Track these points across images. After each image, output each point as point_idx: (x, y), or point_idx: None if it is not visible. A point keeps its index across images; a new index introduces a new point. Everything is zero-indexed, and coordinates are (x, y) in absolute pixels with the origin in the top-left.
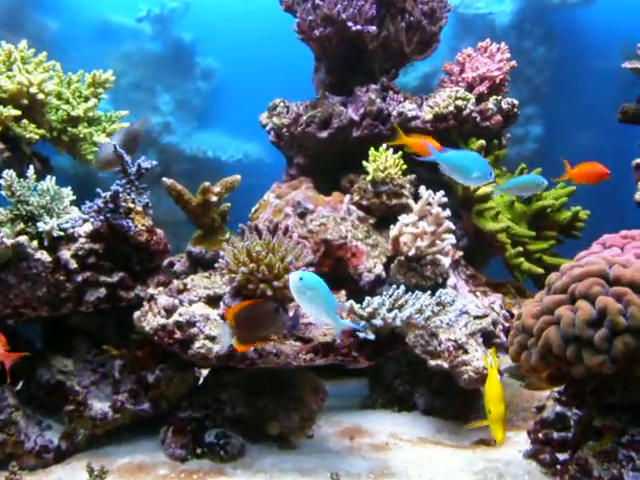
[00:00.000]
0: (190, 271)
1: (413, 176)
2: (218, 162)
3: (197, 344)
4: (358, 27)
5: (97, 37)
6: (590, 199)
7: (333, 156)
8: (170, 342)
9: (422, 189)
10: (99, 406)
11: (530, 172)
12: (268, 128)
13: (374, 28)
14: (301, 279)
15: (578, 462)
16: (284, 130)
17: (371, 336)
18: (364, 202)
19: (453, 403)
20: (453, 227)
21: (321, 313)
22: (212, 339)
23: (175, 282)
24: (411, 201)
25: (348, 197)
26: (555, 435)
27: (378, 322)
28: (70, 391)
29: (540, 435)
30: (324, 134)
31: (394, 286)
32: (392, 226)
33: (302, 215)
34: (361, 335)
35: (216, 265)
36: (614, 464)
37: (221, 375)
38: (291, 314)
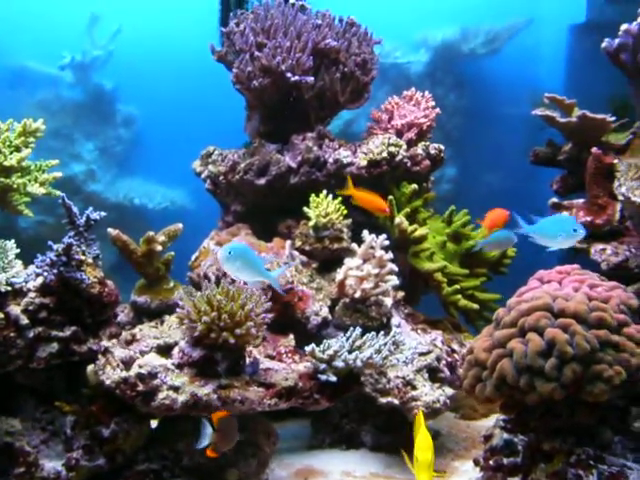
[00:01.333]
0: (135, 321)
1: (349, 220)
2: (144, 210)
3: (161, 395)
4: (296, 78)
5: (12, 84)
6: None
7: (270, 203)
8: (133, 395)
9: (365, 233)
10: (51, 465)
11: (444, 211)
12: (204, 176)
13: (312, 79)
14: (230, 252)
15: None
16: (221, 178)
17: (333, 378)
18: (307, 247)
19: (399, 439)
20: (396, 269)
21: (254, 275)
22: (176, 389)
23: (124, 333)
24: (354, 245)
25: (289, 242)
26: (505, 461)
27: (340, 364)
28: (20, 452)
29: (491, 462)
30: (262, 181)
31: (351, 328)
32: (339, 270)
33: None
34: (322, 377)
35: (175, 315)
36: None
37: (175, 425)
38: (250, 360)
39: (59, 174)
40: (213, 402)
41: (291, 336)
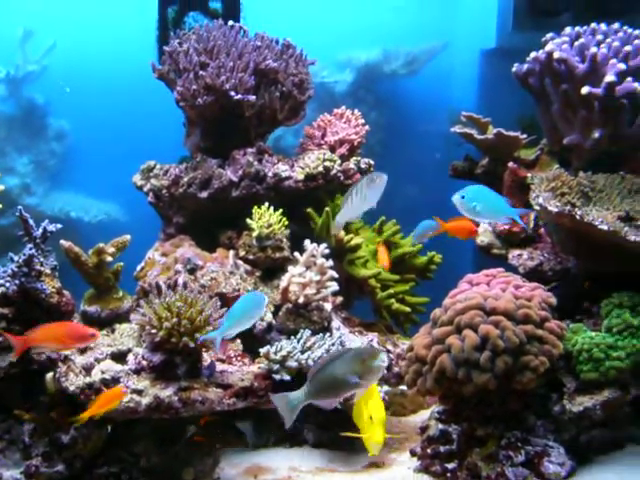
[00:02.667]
0: None
1: (288, 231)
2: (80, 223)
3: (125, 398)
4: (239, 96)
5: None
6: (435, 245)
7: (212, 215)
8: None
9: (307, 242)
10: (9, 474)
11: (370, 222)
12: (146, 189)
13: (254, 97)
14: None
15: (468, 467)
16: (164, 191)
17: (287, 377)
18: (250, 256)
19: (339, 435)
20: (336, 275)
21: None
22: (139, 392)
23: None
24: (296, 253)
25: (233, 252)
26: (442, 449)
27: (292, 364)
28: None
29: (428, 451)
30: (204, 194)
31: (301, 330)
32: (283, 277)
33: (192, 271)
34: (277, 377)
35: (134, 322)
36: (497, 464)
37: (131, 428)
38: (207, 363)
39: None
40: (174, 404)
41: (238, 340)
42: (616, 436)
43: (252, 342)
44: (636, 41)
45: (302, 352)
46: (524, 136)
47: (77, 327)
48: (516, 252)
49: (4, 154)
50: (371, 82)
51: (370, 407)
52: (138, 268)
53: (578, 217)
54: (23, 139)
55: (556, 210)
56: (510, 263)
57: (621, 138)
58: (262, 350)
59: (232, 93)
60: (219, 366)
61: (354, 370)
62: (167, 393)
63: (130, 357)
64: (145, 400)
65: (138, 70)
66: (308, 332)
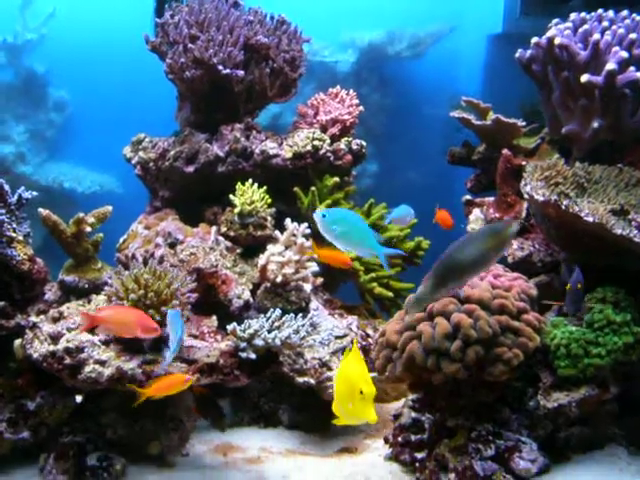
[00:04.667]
0: (63, 300)
1: (273, 209)
2: (74, 194)
3: (87, 368)
4: (227, 71)
5: None
6: (424, 231)
7: (198, 190)
8: (60, 368)
9: (288, 221)
10: None
11: (364, 204)
12: (134, 162)
13: (242, 72)
14: (324, 216)
15: (436, 458)
16: (151, 164)
17: (252, 355)
18: (231, 233)
19: (314, 418)
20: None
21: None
22: (102, 363)
23: (51, 310)
24: (277, 232)
25: (215, 228)
26: (413, 438)
27: (259, 342)
28: None
29: (399, 439)
30: (190, 169)
31: (272, 309)
32: (261, 255)
33: (172, 245)
34: (243, 355)
35: (103, 293)
36: (465, 456)
37: (100, 400)
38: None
39: None
40: (137, 376)
41: (214, 317)
42: (596, 435)
43: (229, 320)
44: None
45: (269, 331)
46: (523, 124)
47: (146, 318)
48: None
49: (2, 122)
50: (374, 63)
51: (358, 379)
52: (121, 240)
53: (564, 207)
54: (21, 108)
55: (542, 199)
56: None
57: (622, 129)
58: (229, 327)
59: (220, 67)
60: (189, 341)
61: (490, 246)
62: (130, 365)
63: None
64: (108, 371)
65: (139, 41)
66: (278, 311)
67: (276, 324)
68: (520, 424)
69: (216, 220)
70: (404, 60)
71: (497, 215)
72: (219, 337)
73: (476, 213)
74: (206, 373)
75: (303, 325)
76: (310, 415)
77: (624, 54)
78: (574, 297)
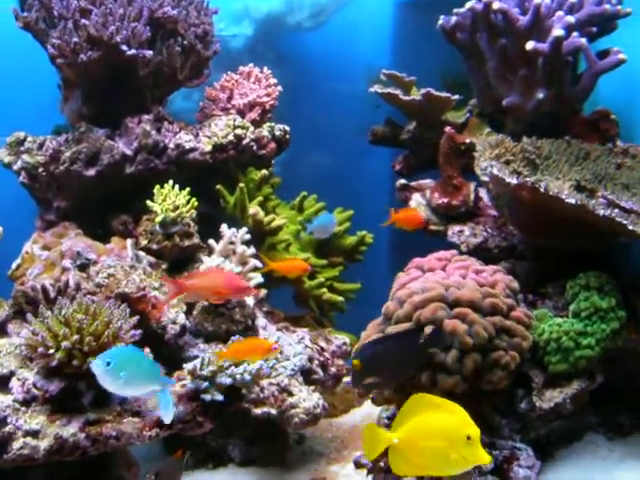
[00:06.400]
0: None
1: (194, 212)
2: None
3: (16, 444)
4: (133, 51)
5: None
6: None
7: (101, 197)
8: None
9: (224, 227)
10: None
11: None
12: (17, 167)
13: (150, 52)
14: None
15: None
16: (40, 169)
17: (219, 397)
18: (154, 246)
19: (270, 450)
20: (260, 264)
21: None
22: (34, 434)
23: None
24: (212, 241)
25: (130, 242)
26: None
27: (226, 380)
28: None
29: (381, 464)
30: (92, 172)
31: (233, 337)
32: (200, 269)
33: (84, 267)
34: (206, 397)
35: (21, 341)
36: (465, 475)
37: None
38: None
39: None
40: (81, 442)
41: (147, 350)
42: (575, 426)
43: (166, 351)
44: None
45: (236, 364)
46: (455, 97)
47: (235, 277)
48: (456, 228)
49: None
50: (270, 37)
51: (458, 425)
52: (13, 266)
53: (542, 190)
54: None
55: (515, 182)
56: (450, 240)
57: (565, 99)
58: (187, 367)
59: (124, 47)
60: None
61: None
62: (71, 430)
63: (15, 384)
64: (44, 443)
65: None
66: (240, 338)
67: None
68: (511, 429)
69: (128, 231)
70: (306, 31)
71: (445, 200)
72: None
73: (417, 198)
74: (165, 426)
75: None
76: (266, 447)
77: (571, 19)
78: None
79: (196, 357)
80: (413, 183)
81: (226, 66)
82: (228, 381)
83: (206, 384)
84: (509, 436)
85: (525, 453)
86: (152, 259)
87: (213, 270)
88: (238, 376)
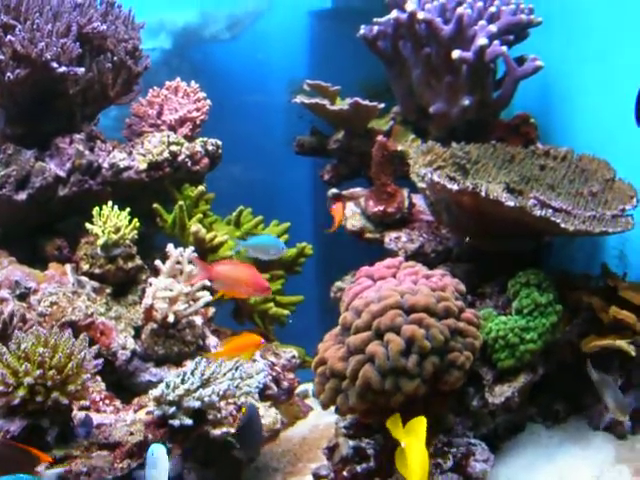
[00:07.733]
0: None
1: (135, 234)
2: None
3: None
4: (64, 69)
5: None
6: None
7: (33, 221)
8: None
9: (170, 247)
10: None
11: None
12: None
13: (82, 70)
14: None
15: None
16: None
17: (188, 421)
18: (97, 270)
19: (225, 470)
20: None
21: None
22: None
23: None
24: (158, 262)
25: (70, 266)
26: (359, 468)
27: (194, 403)
28: None
29: (345, 473)
30: (22, 196)
31: (197, 359)
32: (147, 292)
33: (23, 297)
34: (175, 423)
35: None
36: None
37: None
38: (81, 419)
39: None
40: None
41: (98, 379)
42: (517, 419)
43: (116, 379)
44: (497, 1)
45: (203, 386)
46: (381, 105)
47: (259, 276)
48: (393, 234)
49: None
50: (185, 49)
51: None
52: None
53: (483, 194)
54: None
55: (457, 188)
56: (387, 247)
57: (488, 105)
58: (154, 393)
59: (54, 64)
60: (94, 418)
61: None
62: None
63: None
64: None
65: None
66: (204, 361)
67: (205, 376)
68: (464, 427)
69: (64, 256)
70: (222, 43)
71: (380, 208)
72: (117, 403)
73: (351, 207)
74: (136, 456)
75: (236, 369)
76: (220, 468)
77: (493, 28)
78: None
79: (149, 382)
80: (345, 192)
81: (145, 80)
82: (197, 404)
83: (173, 409)
84: (463, 433)
85: (480, 448)
86: (95, 284)
87: (241, 265)
88: (206, 398)
